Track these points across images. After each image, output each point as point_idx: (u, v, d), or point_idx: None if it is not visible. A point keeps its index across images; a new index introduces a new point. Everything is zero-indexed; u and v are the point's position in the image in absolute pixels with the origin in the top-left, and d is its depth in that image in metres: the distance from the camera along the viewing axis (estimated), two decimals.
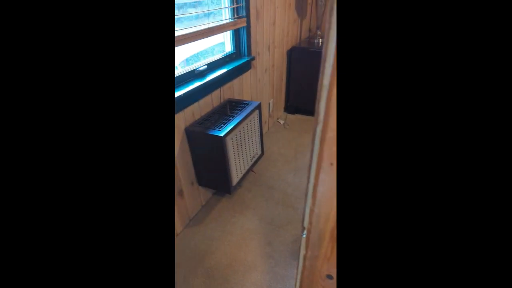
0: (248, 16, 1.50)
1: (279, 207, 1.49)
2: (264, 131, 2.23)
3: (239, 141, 1.33)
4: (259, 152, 1.59)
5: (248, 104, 1.44)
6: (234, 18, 1.43)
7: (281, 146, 2.05)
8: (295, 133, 2.22)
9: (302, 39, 2.47)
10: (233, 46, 1.58)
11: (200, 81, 1.26)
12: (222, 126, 1.24)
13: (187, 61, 1.90)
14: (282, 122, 2.41)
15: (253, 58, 1.63)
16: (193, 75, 1.30)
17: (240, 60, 1.55)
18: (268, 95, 2.13)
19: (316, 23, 2.22)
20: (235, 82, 1.58)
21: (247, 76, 1.70)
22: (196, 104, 1.29)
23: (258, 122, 1.49)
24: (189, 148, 1.30)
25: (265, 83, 2.01)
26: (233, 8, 1.44)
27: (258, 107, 1.45)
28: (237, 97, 1.65)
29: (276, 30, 1.97)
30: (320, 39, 2.24)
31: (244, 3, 1.44)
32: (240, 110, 1.38)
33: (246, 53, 1.60)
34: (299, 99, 2.43)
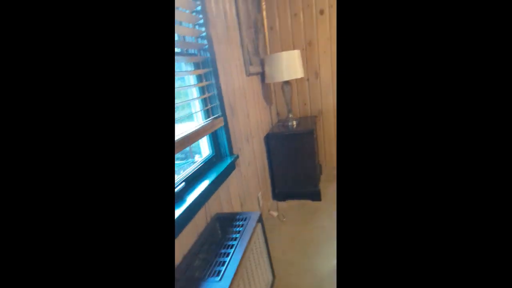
0: (224, 114, 1.27)
1: None
2: None
3: (246, 282, 0.87)
4: (271, 278, 1.11)
5: (244, 218, 1.05)
6: (210, 120, 1.18)
7: (285, 248, 1.59)
8: (295, 225, 1.80)
9: (274, 124, 2.34)
10: (211, 149, 1.28)
11: (177, 207, 0.87)
12: (219, 271, 0.80)
13: None
14: (275, 214, 2.01)
15: (237, 157, 1.33)
16: None
17: (223, 163, 1.23)
18: (255, 189, 1.78)
19: (287, 108, 2.13)
20: (221, 190, 1.22)
21: (232, 178, 1.36)
22: (175, 242, 0.86)
23: (263, 240, 1.08)
24: None
25: (250, 177, 1.68)
26: (208, 109, 1.20)
27: (259, 219, 1.06)
28: (225, 206, 1.26)
29: (251, 121, 1.78)
30: (294, 121, 2.11)
31: (218, 102, 1.22)
32: (238, 232, 0.97)
33: (228, 153, 1.31)
34: (286, 184, 2.12)
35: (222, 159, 1.29)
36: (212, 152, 1.28)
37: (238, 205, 1.42)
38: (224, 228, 1.02)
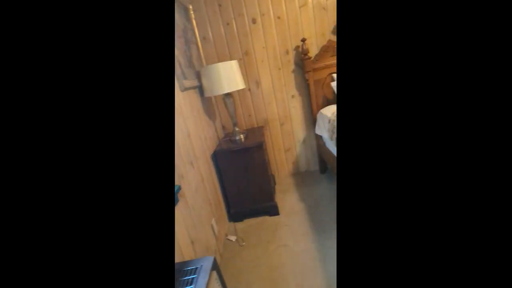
0: None
1: None
2: (217, 261, 1.55)
3: None
4: None
5: (195, 270, 0.82)
6: None
7: (250, 278, 1.41)
8: (256, 248, 1.64)
9: (221, 139, 2.15)
10: None
11: None
12: None
13: None
14: (233, 238, 1.80)
15: (179, 189, 1.10)
16: None
17: None
18: (208, 217, 1.55)
19: (232, 121, 1.97)
20: None
21: (177, 213, 1.12)
22: None
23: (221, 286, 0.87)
24: None
25: (200, 205, 1.45)
26: None
27: (214, 266, 0.85)
28: None
29: (193, 141, 1.56)
30: (241, 135, 1.97)
31: None
32: None
33: None
34: (242, 203, 1.95)
35: None
36: None
37: (188, 245, 1.18)
38: None
